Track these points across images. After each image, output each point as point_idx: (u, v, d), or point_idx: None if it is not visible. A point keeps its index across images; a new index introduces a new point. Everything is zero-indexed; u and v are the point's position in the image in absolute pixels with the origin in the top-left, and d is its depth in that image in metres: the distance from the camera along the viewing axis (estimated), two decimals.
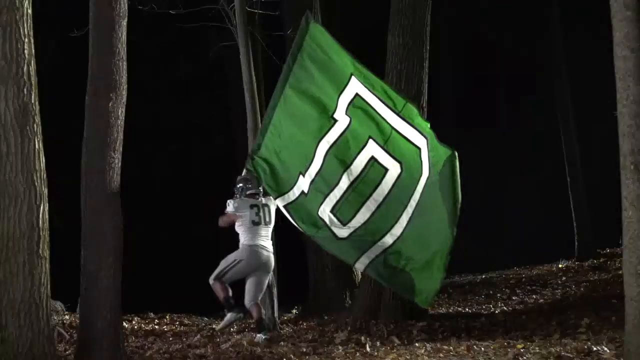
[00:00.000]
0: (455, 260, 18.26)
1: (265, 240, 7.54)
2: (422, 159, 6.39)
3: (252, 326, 8.33)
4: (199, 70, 16.92)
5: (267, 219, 7.55)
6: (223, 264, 7.52)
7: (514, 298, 10.37)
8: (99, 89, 6.10)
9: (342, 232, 6.50)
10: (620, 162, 4.82)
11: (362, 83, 6.50)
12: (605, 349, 5.82)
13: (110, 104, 6.06)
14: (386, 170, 6.50)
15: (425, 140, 6.34)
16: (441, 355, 6.23)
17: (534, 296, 10.42)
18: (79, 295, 6.19)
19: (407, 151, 6.45)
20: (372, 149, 6.53)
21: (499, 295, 10.77)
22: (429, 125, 6.49)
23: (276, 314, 7.86)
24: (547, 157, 19.27)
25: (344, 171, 6.56)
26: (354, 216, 6.49)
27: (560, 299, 9.85)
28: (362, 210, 6.51)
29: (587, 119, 16.91)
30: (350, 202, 6.52)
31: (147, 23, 11.52)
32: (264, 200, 7.57)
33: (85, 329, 6.00)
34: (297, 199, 6.65)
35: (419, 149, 6.37)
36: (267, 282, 7.64)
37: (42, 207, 5.11)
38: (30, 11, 5.15)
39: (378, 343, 6.86)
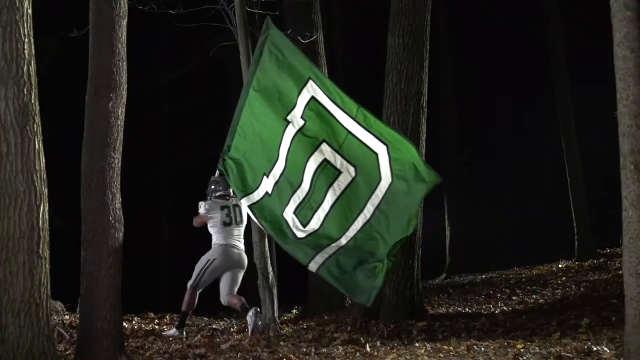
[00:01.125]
0: (455, 260, 18.33)
1: (237, 240, 7.95)
2: (380, 164, 6.43)
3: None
4: (198, 70, 16.93)
5: (238, 219, 7.93)
6: (198, 268, 8.01)
7: (514, 298, 10.37)
8: (99, 89, 6.09)
9: (301, 233, 6.61)
10: (620, 162, 4.82)
11: (318, 86, 6.61)
12: (605, 349, 5.82)
13: (110, 104, 6.06)
14: (339, 172, 6.58)
15: (384, 147, 6.39)
16: (441, 355, 6.23)
17: (534, 296, 10.41)
18: (79, 295, 6.18)
19: (362, 155, 6.51)
20: (325, 152, 6.63)
21: (499, 295, 10.77)
22: (389, 131, 6.54)
23: (276, 314, 7.85)
24: (547, 157, 19.27)
25: (304, 173, 6.65)
26: (311, 218, 6.60)
27: (560, 299, 9.85)
28: (318, 212, 6.60)
29: (587, 119, 16.89)
30: (310, 205, 6.62)
31: (147, 22, 11.51)
32: (234, 201, 7.93)
33: (85, 329, 5.99)
34: (261, 199, 6.79)
35: (376, 154, 6.42)
36: (241, 278, 7.99)
37: (42, 207, 5.10)
38: (30, 11, 5.14)
39: (378, 343, 6.86)
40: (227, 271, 7.90)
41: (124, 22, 6.18)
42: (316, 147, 6.62)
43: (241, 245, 7.98)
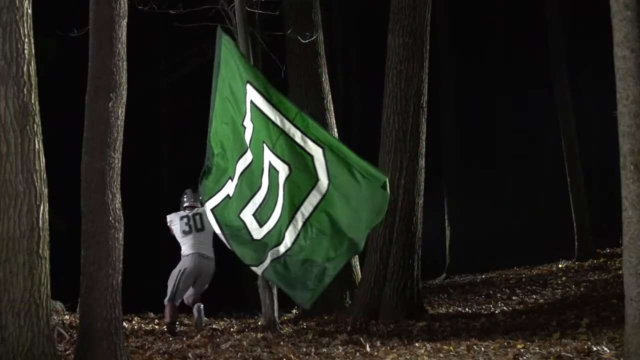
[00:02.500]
0: (455, 260, 18.29)
1: (203, 248, 8.17)
2: (317, 165, 6.51)
3: (252, 326, 8.34)
4: (198, 70, 16.92)
5: (199, 226, 8.17)
6: (171, 282, 8.24)
7: (514, 298, 10.36)
8: (99, 89, 6.08)
9: (258, 234, 6.69)
10: (620, 162, 4.82)
11: (257, 90, 6.78)
12: (605, 349, 5.82)
13: (110, 104, 6.05)
14: (277, 172, 6.69)
15: (321, 150, 6.50)
16: (441, 355, 6.23)
17: (534, 296, 10.41)
18: (79, 295, 6.18)
19: (296, 155, 6.62)
20: (266, 154, 6.77)
21: (499, 295, 10.76)
22: (327, 136, 6.64)
23: (276, 314, 7.85)
24: (547, 157, 19.26)
25: (262, 175, 6.76)
26: (269, 218, 6.70)
27: (560, 299, 9.85)
28: (275, 211, 6.70)
29: (587, 119, 16.88)
30: (268, 205, 6.71)
31: (147, 22, 11.51)
32: (196, 210, 8.22)
33: (85, 329, 5.98)
34: (222, 201, 6.92)
35: (312, 155, 6.53)
36: (205, 287, 8.29)
37: (42, 207, 5.10)
38: (30, 11, 5.13)
39: (378, 343, 6.86)
40: (197, 278, 8.14)
41: (124, 22, 6.17)
42: (262, 149, 6.75)
43: (209, 253, 8.18)
